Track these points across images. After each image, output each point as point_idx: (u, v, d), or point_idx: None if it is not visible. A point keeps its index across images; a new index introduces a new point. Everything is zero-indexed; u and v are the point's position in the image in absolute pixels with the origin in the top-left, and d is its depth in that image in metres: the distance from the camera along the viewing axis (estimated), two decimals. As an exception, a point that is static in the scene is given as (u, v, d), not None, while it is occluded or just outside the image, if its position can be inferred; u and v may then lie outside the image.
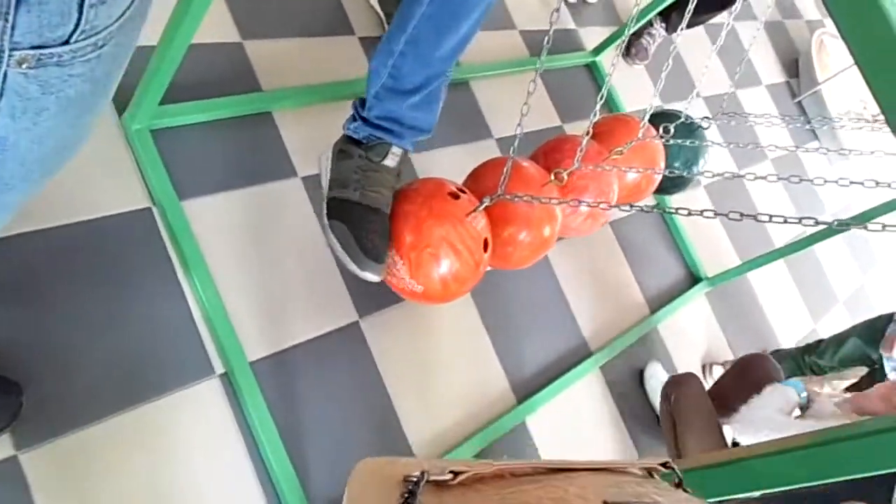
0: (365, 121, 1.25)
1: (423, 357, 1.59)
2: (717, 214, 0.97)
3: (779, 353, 2.33)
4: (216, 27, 1.58)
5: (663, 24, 2.54)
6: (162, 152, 1.36)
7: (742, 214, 0.93)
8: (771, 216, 0.91)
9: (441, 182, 1.29)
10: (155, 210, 1.34)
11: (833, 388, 1.91)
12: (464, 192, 1.27)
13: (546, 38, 1.00)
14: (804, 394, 1.68)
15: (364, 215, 1.23)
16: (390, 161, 1.25)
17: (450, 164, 1.82)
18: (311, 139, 1.61)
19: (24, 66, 0.44)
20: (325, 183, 1.30)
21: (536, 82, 1.05)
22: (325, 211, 1.27)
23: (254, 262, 1.42)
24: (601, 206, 1.15)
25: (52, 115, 0.50)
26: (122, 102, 1.35)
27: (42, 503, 1.04)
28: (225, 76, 1.54)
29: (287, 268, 1.47)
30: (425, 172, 1.78)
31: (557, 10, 0.97)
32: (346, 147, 1.28)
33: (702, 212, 0.99)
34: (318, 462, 1.34)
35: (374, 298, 1.55)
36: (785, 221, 0.90)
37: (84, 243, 1.24)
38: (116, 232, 1.28)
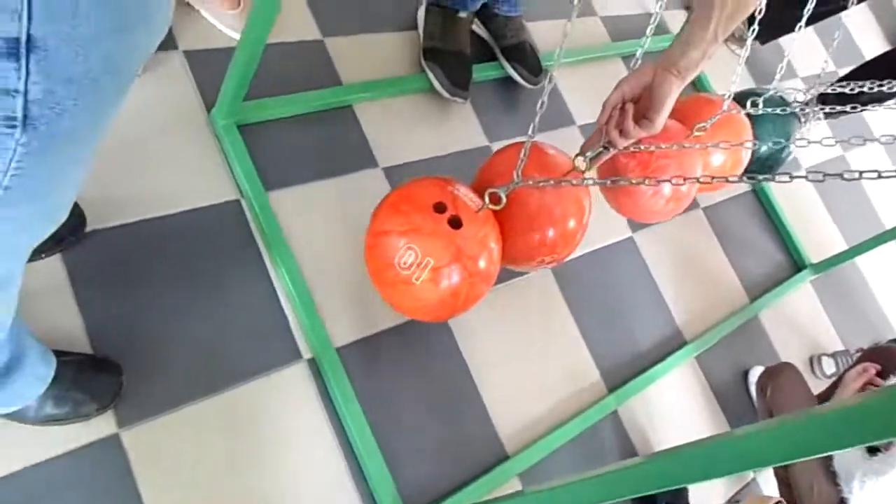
0: None
1: (509, 344, 1.57)
2: (792, 178, 0.90)
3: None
4: (299, 27, 1.62)
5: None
6: (248, 146, 1.40)
7: (824, 175, 0.86)
8: (861, 172, 0.84)
9: (426, 202, 1.14)
10: (243, 201, 1.38)
11: None
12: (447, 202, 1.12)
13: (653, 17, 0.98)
14: None
15: (449, 57, 1.67)
16: (462, 13, 1.68)
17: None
18: (390, 130, 1.63)
19: None
20: (420, 35, 1.73)
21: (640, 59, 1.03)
22: (422, 56, 1.69)
23: (339, 250, 1.44)
24: (677, 182, 1.07)
25: None
26: (209, 100, 1.41)
27: (141, 477, 1.09)
28: (307, 72, 1.58)
29: (370, 256, 1.48)
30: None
31: None
32: (431, 8, 1.71)
33: (790, 176, 0.93)
34: (406, 448, 1.34)
35: (457, 286, 1.54)
36: (879, 176, 0.83)
37: (177, 234, 1.29)
38: (207, 223, 1.33)
